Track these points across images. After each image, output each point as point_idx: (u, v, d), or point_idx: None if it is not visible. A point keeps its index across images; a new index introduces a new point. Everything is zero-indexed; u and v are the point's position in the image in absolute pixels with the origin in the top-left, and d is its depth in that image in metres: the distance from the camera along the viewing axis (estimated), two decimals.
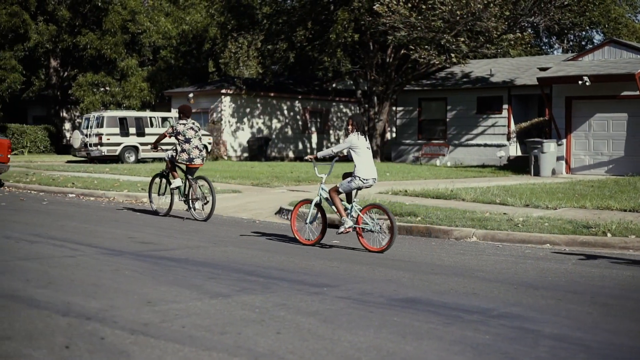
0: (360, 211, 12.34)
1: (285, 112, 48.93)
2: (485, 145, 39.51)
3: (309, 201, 13.09)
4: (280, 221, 16.64)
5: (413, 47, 36.66)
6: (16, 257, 10.28)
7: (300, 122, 49.56)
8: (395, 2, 35.18)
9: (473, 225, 14.40)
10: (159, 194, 17.59)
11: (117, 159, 38.39)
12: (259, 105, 47.71)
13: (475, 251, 12.56)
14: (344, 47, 40.97)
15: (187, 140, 16.81)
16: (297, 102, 49.46)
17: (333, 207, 12.52)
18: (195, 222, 15.98)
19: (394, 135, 46.68)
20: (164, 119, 41.03)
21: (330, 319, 7.13)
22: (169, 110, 47.60)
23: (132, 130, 39.35)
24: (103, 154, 38.47)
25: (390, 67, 42.10)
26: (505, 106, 39.09)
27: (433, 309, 7.72)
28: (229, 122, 46.32)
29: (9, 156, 24.88)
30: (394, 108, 44.44)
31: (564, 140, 31.06)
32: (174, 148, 17.10)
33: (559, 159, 30.60)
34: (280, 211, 17.57)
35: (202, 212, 16.56)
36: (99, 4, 50.27)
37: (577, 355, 6.23)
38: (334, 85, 50.63)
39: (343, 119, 51.82)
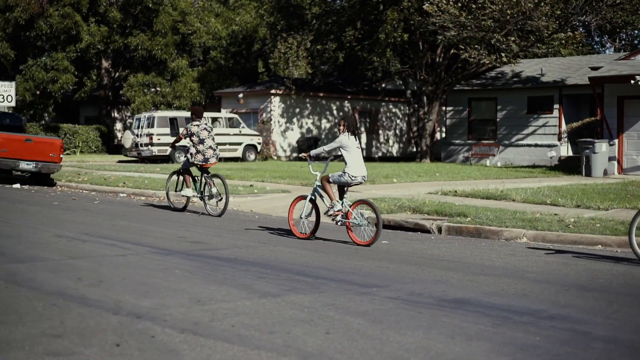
0: (350, 207, 12.98)
1: (335, 112, 48.94)
2: (536, 145, 39.17)
3: (304, 197, 13.70)
4: (328, 221, 16.60)
5: (463, 47, 36.47)
6: (68, 256, 10.39)
7: None
8: (445, 2, 35.02)
9: (523, 226, 14.28)
10: (175, 191, 18.32)
11: (168, 159, 38.63)
12: (308, 105, 47.77)
13: (525, 252, 12.45)
14: (394, 47, 40.87)
15: (201, 141, 17.34)
16: (346, 102, 49.44)
17: (324, 193, 13.27)
18: (244, 222, 16.04)
19: (443, 135, 46.48)
20: (214, 119, 41.24)
21: (379, 319, 7.11)
22: (219, 111, 47.82)
23: (182, 130, 39.57)
24: (154, 153, 38.76)
25: (440, 67, 41.92)
26: (556, 106, 38.72)
27: (482, 310, 7.67)
28: (279, 122, 46.44)
29: (61, 156, 25.17)
30: (443, 108, 44.23)
31: (616, 141, 30.70)
32: (188, 151, 17.60)
33: (610, 159, 30.24)
34: (329, 211, 17.54)
35: (217, 207, 17.18)
36: (150, 5, 50.65)
37: (629, 358, 6.15)
38: (383, 85, 50.53)
39: (393, 119, 51.73)
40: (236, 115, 43.23)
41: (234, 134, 41.17)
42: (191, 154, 17.38)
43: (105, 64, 54.72)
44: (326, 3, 45.12)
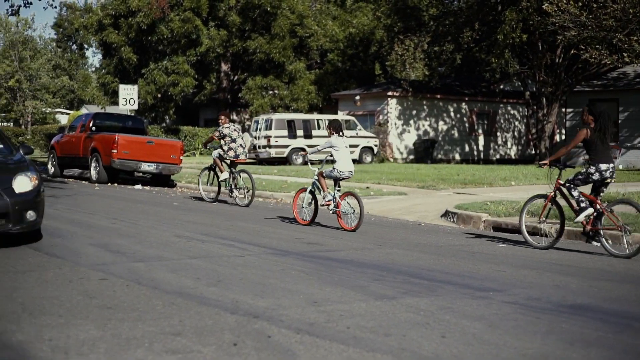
0: (339, 198, 14.94)
1: (452, 114, 48.61)
2: None
3: (305, 190, 15.86)
4: (446, 224, 16.51)
5: (583, 47, 35.71)
6: (187, 256, 10.58)
7: (466, 124, 49.13)
8: (565, 1, 34.36)
9: None
10: (207, 184, 20.95)
11: (285, 161, 38.96)
12: (425, 107, 47.57)
13: None
14: (512, 48, 40.33)
15: (233, 140, 20.04)
16: (463, 103, 49.04)
17: (318, 184, 15.42)
18: (365, 225, 16.06)
19: (562, 137, 45.62)
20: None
21: (496, 324, 7.02)
22: (336, 113, 48.01)
23: (300, 132, 39.89)
24: (271, 155, 39.16)
25: (559, 68, 41.18)
26: None
27: (603, 317, 7.50)
28: (395, 124, 46.37)
29: (181, 158, 25.69)
30: (563, 109, 43.43)
31: None
32: (221, 147, 20.23)
33: None
34: (446, 214, 17.43)
35: (244, 199, 19.69)
36: (268, 9, 51.17)
37: None
38: (501, 86, 49.91)
39: (511, 121, 51.05)
40: (353, 118, 43.32)
41: (351, 136, 41.24)
42: (224, 150, 19.99)
43: (224, 67, 55.55)
44: (444, 4, 44.83)
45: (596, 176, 12.38)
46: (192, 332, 6.35)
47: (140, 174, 26.32)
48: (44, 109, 79.16)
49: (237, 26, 52.10)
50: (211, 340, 6.17)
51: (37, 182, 11.28)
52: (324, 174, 15.29)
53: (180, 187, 25.33)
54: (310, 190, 15.57)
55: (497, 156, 50.13)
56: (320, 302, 7.70)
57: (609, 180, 12.43)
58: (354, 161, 40.38)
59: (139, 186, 25.04)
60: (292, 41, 52.49)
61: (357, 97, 46.89)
